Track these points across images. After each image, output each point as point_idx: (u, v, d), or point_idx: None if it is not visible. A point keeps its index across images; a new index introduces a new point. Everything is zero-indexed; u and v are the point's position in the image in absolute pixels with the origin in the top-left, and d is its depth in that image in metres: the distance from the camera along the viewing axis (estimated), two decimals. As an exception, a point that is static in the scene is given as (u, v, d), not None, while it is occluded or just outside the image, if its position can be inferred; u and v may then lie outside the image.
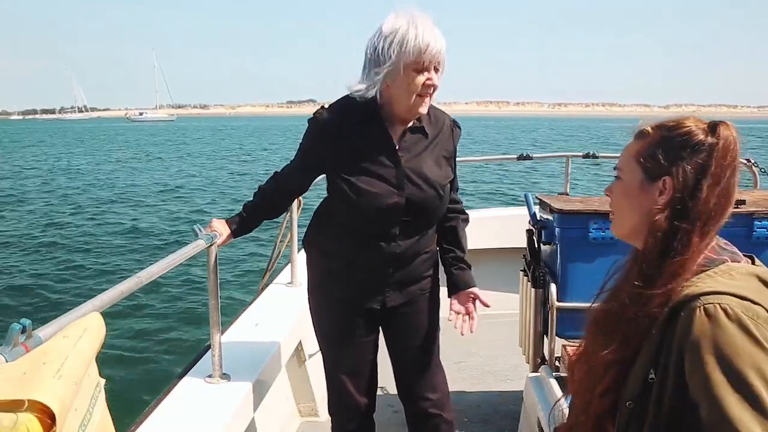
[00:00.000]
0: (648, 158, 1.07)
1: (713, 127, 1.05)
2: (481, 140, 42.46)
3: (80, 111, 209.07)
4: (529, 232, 2.35)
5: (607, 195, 1.19)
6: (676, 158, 1.05)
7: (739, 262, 1.05)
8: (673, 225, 1.03)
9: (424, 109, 1.66)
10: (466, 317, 1.86)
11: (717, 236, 1.07)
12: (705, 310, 0.94)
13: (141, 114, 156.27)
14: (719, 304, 0.94)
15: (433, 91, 1.64)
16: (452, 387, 2.03)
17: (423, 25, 1.56)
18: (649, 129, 1.10)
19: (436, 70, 1.62)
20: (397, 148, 1.69)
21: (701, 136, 1.04)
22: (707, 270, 1.02)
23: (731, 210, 1.05)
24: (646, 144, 1.09)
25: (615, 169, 1.16)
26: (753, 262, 1.09)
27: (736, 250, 1.08)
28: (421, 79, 1.59)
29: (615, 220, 1.17)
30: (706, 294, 0.96)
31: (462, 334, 1.85)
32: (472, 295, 1.87)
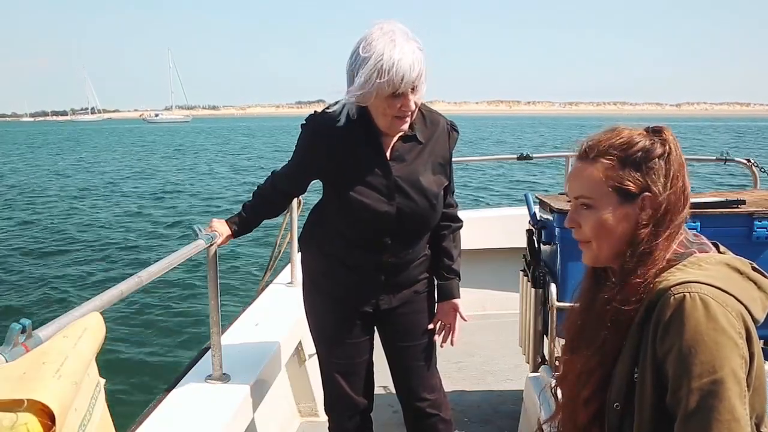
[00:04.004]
0: (621, 181, 1.08)
1: (657, 133, 1.09)
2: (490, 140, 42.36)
3: (92, 112, 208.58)
4: (529, 232, 2.35)
5: (572, 227, 1.15)
6: (646, 173, 1.07)
7: (707, 252, 1.09)
8: (653, 234, 1.06)
9: (405, 127, 1.64)
10: (448, 327, 1.91)
11: (686, 230, 1.11)
12: (675, 299, 0.97)
13: (156, 115, 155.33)
14: (689, 292, 0.97)
15: (412, 113, 1.62)
16: (452, 387, 2.04)
17: (400, 51, 1.49)
18: (600, 150, 1.09)
19: (416, 88, 1.57)
20: (388, 157, 1.68)
21: (658, 148, 1.07)
22: (677, 264, 1.05)
23: (689, 204, 1.10)
24: (610, 167, 1.08)
25: (576, 198, 1.13)
26: (718, 250, 1.12)
27: (705, 240, 1.12)
28: (396, 104, 1.56)
29: (593, 250, 1.13)
30: (676, 285, 0.99)
31: (441, 347, 1.91)
32: (454, 307, 1.90)
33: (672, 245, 1.07)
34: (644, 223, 1.07)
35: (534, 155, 4.57)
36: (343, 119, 1.64)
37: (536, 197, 2.39)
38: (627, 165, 1.07)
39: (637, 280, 1.04)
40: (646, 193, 1.07)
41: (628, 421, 1.04)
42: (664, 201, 1.06)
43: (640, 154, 1.07)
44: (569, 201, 1.18)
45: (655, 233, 1.06)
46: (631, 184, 1.07)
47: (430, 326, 1.90)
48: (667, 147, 1.07)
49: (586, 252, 1.15)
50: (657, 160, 1.07)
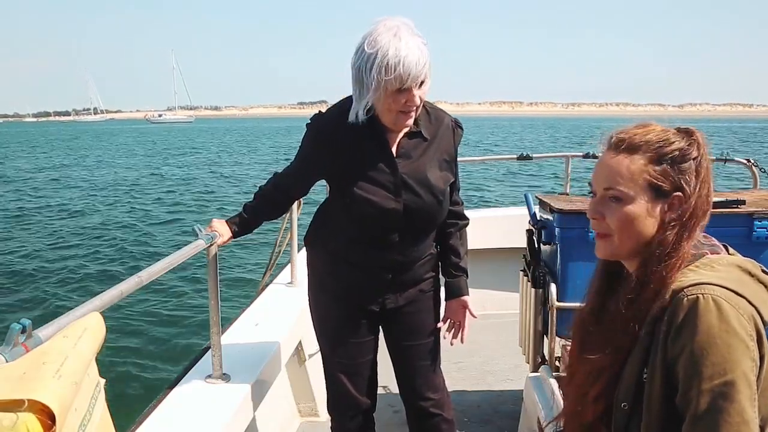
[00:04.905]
0: (657, 178, 1.06)
1: (689, 134, 1.08)
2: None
3: (95, 113, 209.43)
4: (529, 232, 2.35)
5: (594, 218, 1.12)
6: (682, 173, 1.06)
7: (718, 254, 1.09)
8: (678, 236, 1.05)
9: (410, 122, 1.65)
10: (458, 324, 1.93)
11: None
12: (689, 300, 0.97)
13: (160, 116, 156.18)
14: (702, 293, 0.97)
15: (417, 108, 1.62)
16: (452, 387, 2.04)
17: (406, 47, 1.50)
18: (637, 144, 1.07)
19: (421, 83, 1.58)
20: (394, 154, 1.69)
21: (694, 150, 1.07)
22: (690, 265, 1.05)
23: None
24: (646, 162, 1.07)
25: (606, 190, 1.09)
26: (727, 251, 1.12)
27: (715, 242, 1.12)
28: (402, 99, 1.57)
29: (613, 244, 1.11)
30: (689, 286, 0.99)
31: (451, 344, 1.92)
32: (463, 304, 1.90)
33: (690, 248, 1.07)
34: (672, 224, 1.06)
35: (534, 155, 4.58)
36: (350, 119, 1.64)
37: (536, 197, 2.39)
38: (663, 162, 1.06)
39: (659, 282, 1.04)
40: (678, 193, 1.06)
41: (635, 421, 1.04)
42: (692, 203, 1.06)
43: (677, 153, 1.06)
44: (590, 193, 1.15)
45: (680, 235, 1.06)
46: (666, 182, 1.06)
47: (439, 325, 1.90)
48: (701, 150, 1.07)
49: (603, 245, 1.13)
50: (691, 162, 1.06)
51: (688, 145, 1.07)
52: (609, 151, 1.11)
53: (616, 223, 1.09)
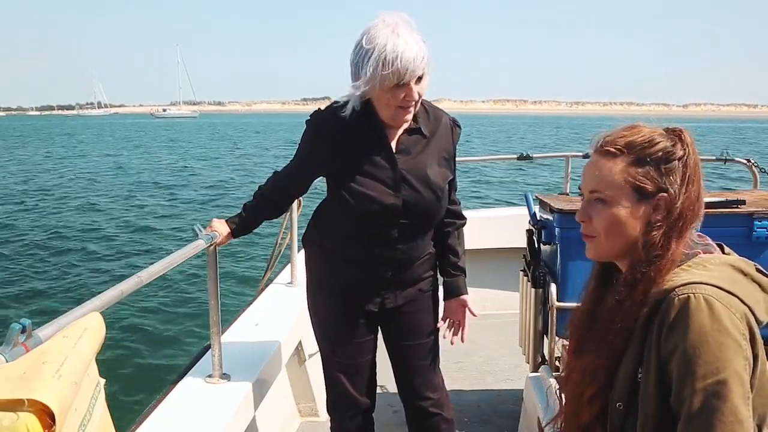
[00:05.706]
0: (639, 179, 1.07)
1: (677, 135, 1.08)
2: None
3: (99, 107, 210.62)
4: (529, 232, 2.35)
5: (582, 221, 1.14)
6: (665, 173, 1.06)
7: (712, 253, 1.09)
8: (665, 236, 1.06)
9: (409, 117, 1.65)
10: (457, 324, 1.93)
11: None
12: (680, 299, 0.98)
13: (164, 110, 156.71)
14: (693, 293, 0.97)
15: (416, 103, 1.63)
16: (452, 387, 2.04)
17: (404, 42, 1.51)
18: (620, 146, 1.08)
19: (419, 79, 1.59)
20: (394, 150, 1.69)
21: (679, 150, 1.07)
22: (682, 265, 1.05)
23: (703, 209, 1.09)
24: (628, 164, 1.07)
25: (591, 192, 1.11)
26: (723, 250, 1.12)
27: (709, 241, 1.12)
28: (400, 94, 1.58)
29: (600, 245, 1.12)
30: (681, 286, 0.99)
31: (452, 343, 1.92)
32: (463, 303, 1.90)
33: (681, 248, 1.07)
34: (657, 224, 1.06)
35: (534, 155, 4.57)
36: (347, 113, 1.64)
37: (536, 197, 2.39)
38: (646, 163, 1.07)
39: (648, 283, 1.04)
40: (662, 194, 1.06)
41: (630, 421, 1.04)
42: (678, 204, 1.06)
43: (660, 154, 1.06)
44: (581, 195, 1.16)
45: (668, 236, 1.06)
46: (649, 183, 1.06)
47: (439, 324, 1.90)
48: (687, 150, 1.07)
49: (591, 246, 1.14)
50: (676, 162, 1.06)
51: (672, 146, 1.07)
52: (595, 153, 1.12)
53: (602, 225, 1.10)
